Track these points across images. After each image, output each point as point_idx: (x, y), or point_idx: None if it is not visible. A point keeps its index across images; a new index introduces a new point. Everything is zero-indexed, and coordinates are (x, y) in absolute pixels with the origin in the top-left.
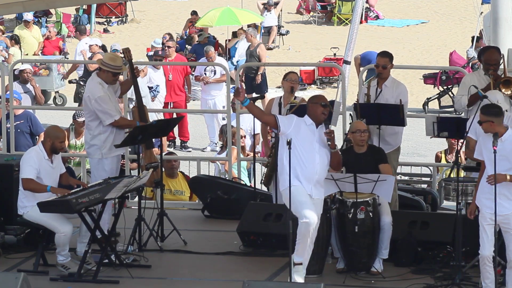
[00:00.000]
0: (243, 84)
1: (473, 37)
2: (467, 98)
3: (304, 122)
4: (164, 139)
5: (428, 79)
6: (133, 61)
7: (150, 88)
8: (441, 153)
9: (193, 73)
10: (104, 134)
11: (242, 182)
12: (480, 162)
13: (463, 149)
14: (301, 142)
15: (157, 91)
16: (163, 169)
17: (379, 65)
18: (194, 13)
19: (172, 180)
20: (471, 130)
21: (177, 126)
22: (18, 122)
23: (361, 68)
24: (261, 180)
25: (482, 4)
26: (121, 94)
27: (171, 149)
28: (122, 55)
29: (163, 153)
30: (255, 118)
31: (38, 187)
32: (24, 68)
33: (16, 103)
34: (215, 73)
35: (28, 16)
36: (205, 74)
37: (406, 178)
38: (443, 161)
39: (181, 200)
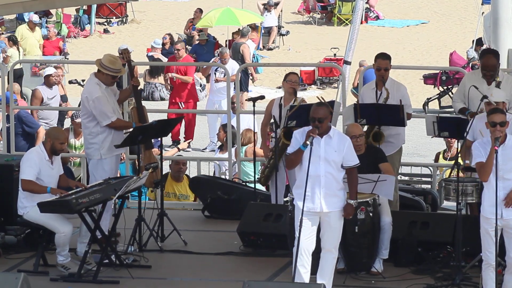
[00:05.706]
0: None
1: (473, 41)
2: (466, 98)
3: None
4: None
5: (428, 79)
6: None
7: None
8: (440, 153)
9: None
10: (102, 134)
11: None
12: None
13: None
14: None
15: None
16: (171, 172)
17: (381, 68)
18: (200, 11)
19: (177, 184)
20: (470, 132)
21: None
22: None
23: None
24: (259, 179)
25: (482, 4)
26: (119, 102)
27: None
28: (121, 56)
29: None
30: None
31: (38, 188)
32: (51, 73)
33: None
34: (224, 75)
35: (34, 17)
36: (215, 74)
37: (406, 178)
38: (441, 159)
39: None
